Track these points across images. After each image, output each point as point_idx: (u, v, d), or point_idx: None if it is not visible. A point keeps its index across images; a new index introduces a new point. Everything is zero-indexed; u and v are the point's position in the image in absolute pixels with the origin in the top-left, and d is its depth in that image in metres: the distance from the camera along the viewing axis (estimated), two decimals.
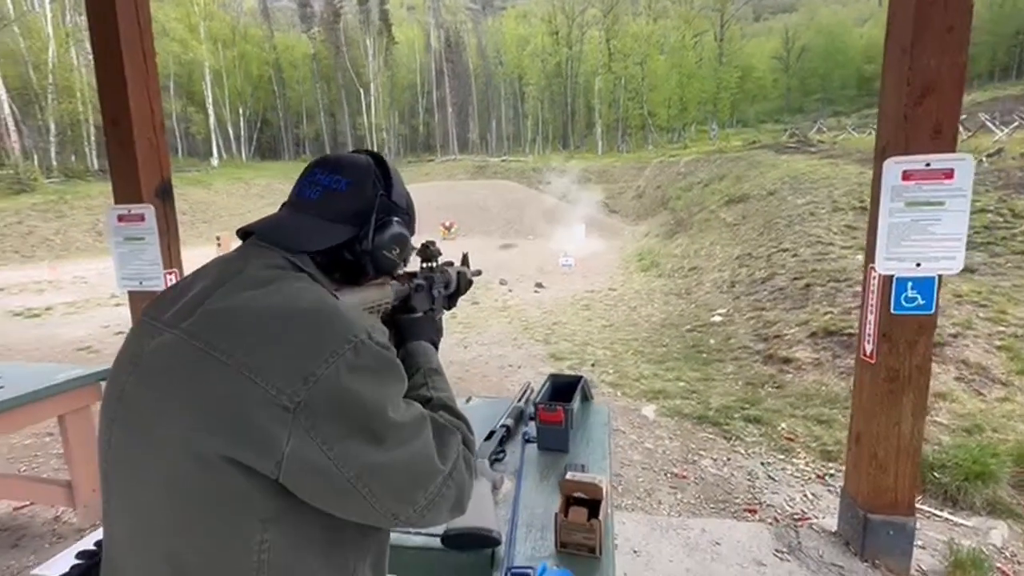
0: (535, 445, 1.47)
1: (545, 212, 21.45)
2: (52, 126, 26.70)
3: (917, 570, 2.05)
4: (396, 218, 0.77)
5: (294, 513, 0.56)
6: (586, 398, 1.75)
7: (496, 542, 0.98)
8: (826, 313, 5.07)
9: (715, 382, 4.57)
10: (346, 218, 0.72)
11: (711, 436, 3.46)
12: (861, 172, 10.39)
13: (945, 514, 2.43)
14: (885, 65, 1.92)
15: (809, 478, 2.88)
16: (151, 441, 0.56)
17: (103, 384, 2.60)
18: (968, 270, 5.55)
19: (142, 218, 2.43)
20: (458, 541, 0.98)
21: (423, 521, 0.63)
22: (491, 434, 1.43)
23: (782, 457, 3.13)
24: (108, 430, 0.61)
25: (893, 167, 1.83)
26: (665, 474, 2.97)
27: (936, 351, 3.91)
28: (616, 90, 41.48)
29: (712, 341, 5.83)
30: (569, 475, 1.08)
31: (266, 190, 30.75)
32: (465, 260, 1.20)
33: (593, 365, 5.21)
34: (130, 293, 2.51)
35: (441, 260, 1.06)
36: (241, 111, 40.71)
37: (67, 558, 0.98)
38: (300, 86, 47.69)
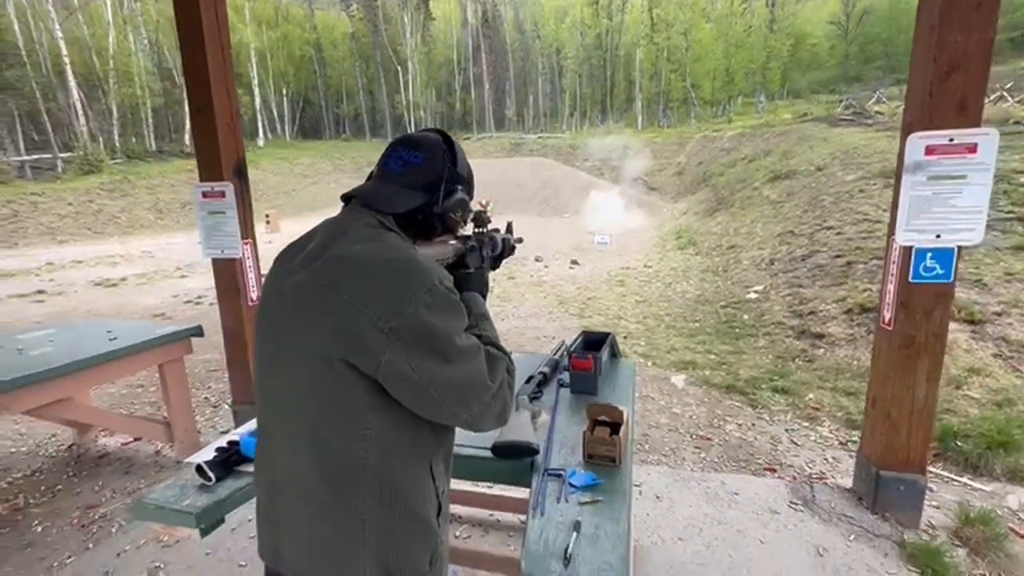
0: (568, 389, 1.70)
1: (582, 189, 21.30)
2: (114, 109, 28.32)
3: (927, 525, 2.17)
4: (460, 186, 0.97)
5: (388, 406, 0.79)
6: (614, 353, 1.95)
7: (535, 451, 1.22)
8: (865, 290, 5.02)
9: (745, 355, 4.66)
10: (422, 187, 0.92)
11: (738, 404, 3.60)
12: None
13: (964, 479, 2.53)
14: (914, 41, 1.97)
15: (831, 444, 3.00)
16: (295, 349, 0.80)
17: (192, 340, 3.01)
18: None
19: (223, 195, 2.76)
20: (504, 450, 1.22)
21: (476, 423, 0.85)
22: (530, 379, 1.67)
23: (806, 425, 3.25)
24: (263, 343, 0.86)
25: (916, 142, 1.90)
26: (690, 436, 3.16)
27: (976, 328, 3.87)
28: (658, 62, 39.89)
29: (746, 317, 5.86)
30: (595, 403, 1.30)
31: (309, 169, 31.67)
32: (509, 228, 1.40)
33: (625, 338, 5.37)
34: (213, 260, 2.87)
35: (490, 227, 1.26)
36: (284, 91, 41.75)
37: (208, 451, 1.28)
38: (340, 65, 48.28)
